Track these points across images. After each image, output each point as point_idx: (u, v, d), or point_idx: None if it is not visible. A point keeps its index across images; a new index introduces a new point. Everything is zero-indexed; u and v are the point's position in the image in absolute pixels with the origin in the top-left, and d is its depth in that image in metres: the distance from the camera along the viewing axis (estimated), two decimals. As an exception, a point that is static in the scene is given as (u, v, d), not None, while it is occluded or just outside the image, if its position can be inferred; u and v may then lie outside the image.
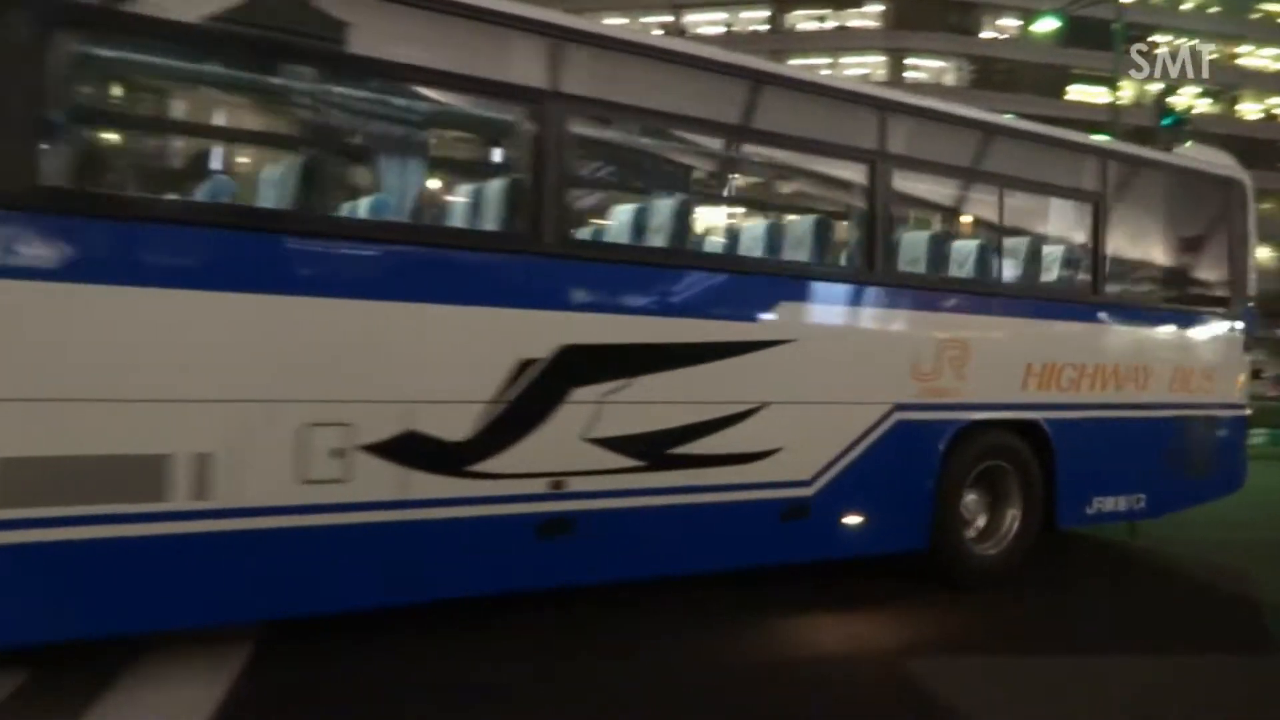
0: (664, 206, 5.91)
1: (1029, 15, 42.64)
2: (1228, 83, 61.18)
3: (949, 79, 58.60)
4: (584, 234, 6.68)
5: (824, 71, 59.50)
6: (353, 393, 4.55)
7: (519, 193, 5.19)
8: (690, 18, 61.75)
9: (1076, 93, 57.41)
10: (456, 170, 6.93)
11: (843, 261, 6.89)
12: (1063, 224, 7.87)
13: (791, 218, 7.21)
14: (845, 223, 7.03)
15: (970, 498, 6.97)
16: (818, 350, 6.04)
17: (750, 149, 7.16)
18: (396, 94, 5.65)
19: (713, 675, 4.91)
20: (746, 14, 60.94)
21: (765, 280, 6.02)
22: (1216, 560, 8.51)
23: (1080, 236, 7.69)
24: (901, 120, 6.48)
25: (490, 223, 5.32)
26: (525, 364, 4.96)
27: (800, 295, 6.07)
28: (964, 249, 7.22)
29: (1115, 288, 7.78)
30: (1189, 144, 9.63)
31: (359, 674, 4.67)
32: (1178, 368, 7.90)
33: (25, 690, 4.12)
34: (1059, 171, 7.48)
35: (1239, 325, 8.54)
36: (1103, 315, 7.56)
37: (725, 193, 7.88)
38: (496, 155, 6.71)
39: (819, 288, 6.23)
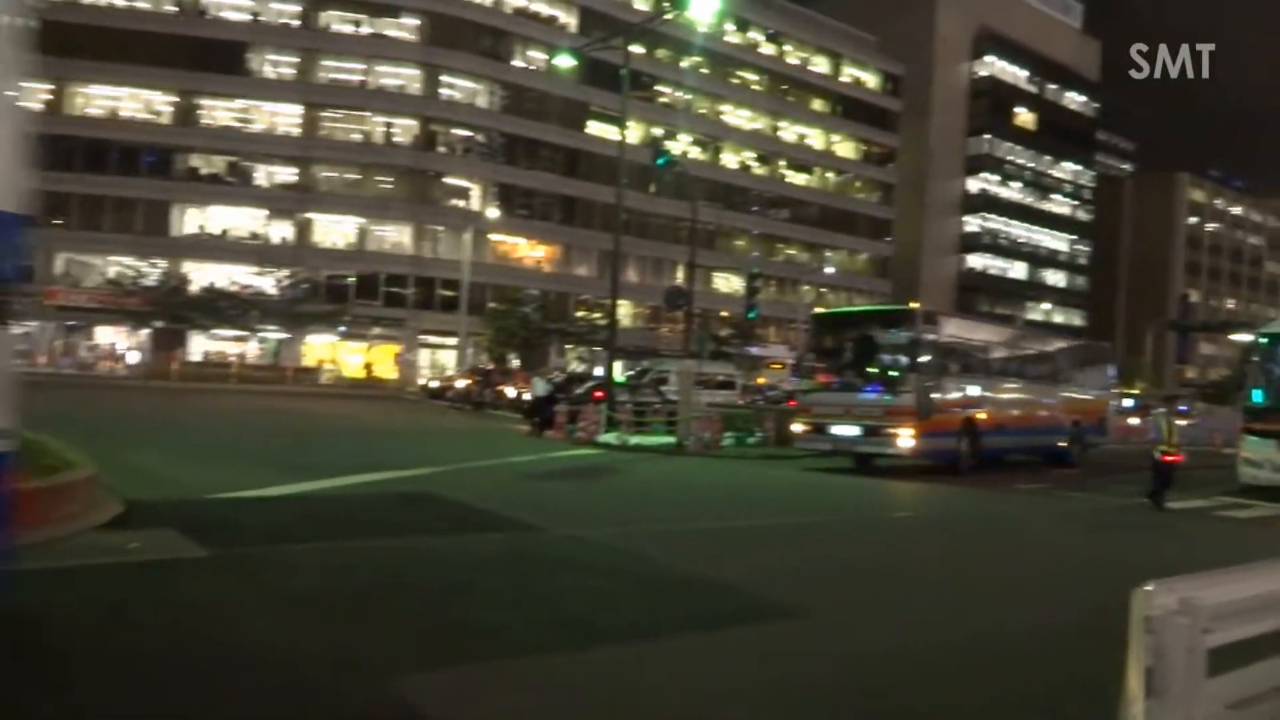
0: None
1: (554, 50, 45.84)
2: (715, 134, 71.44)
3: (481, 101, 60.72)
4: None
5: (359, 79, 58.33)
6: None
7: None
8: (214, -1, 56.80)
9: (594, 128, 62.74)
10: None
11: None
12: None
13: None
14: None
15: None
16: None
17: None
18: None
19: None
20: (276, 5, 57.59)
21: None
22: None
23: None
24: None
25: None
26: None
27: None
28: None
29: None
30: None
31: None
32: None
33: None
34: None
35: None
36: None
37: None
38: None
39: None
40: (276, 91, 57.49)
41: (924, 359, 16.99)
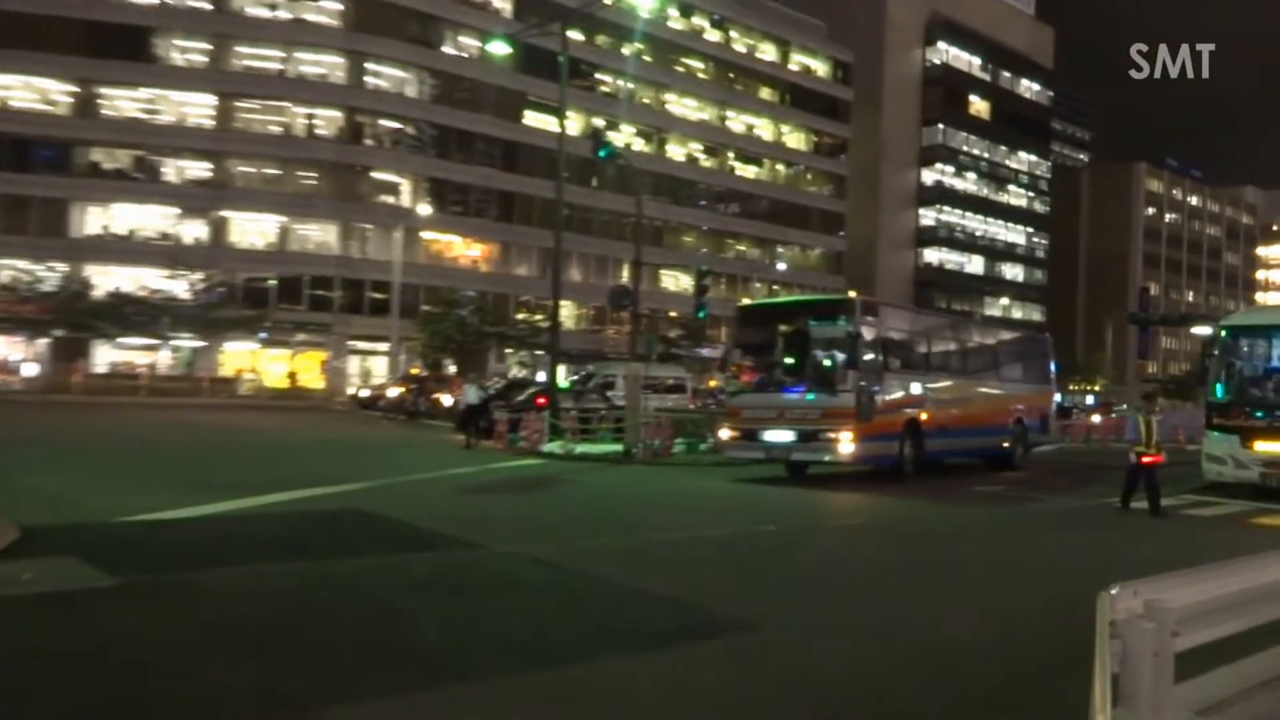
0: None
1: (488, 36, 45.52)
2: (659, 124, 71.67)
3: (410, 90, 60.11)
4: None
5: (278, 67, 57.36)
6: None
7: None
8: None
9: (532, 119, 62.50)
10: None
11: None
12: None
13: None
14: None
15: None
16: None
17: None
18: None
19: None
20: (185, -14, 56.30)
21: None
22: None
23: None
24: None
25: None
26: None
27: None
28: None
29: None
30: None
31: None
32: None
33: None
34: None
35: None
36: None
37: None
38: None
39: None
40: (186, 80, 56.25)
41: (865, 355, 16.39)
